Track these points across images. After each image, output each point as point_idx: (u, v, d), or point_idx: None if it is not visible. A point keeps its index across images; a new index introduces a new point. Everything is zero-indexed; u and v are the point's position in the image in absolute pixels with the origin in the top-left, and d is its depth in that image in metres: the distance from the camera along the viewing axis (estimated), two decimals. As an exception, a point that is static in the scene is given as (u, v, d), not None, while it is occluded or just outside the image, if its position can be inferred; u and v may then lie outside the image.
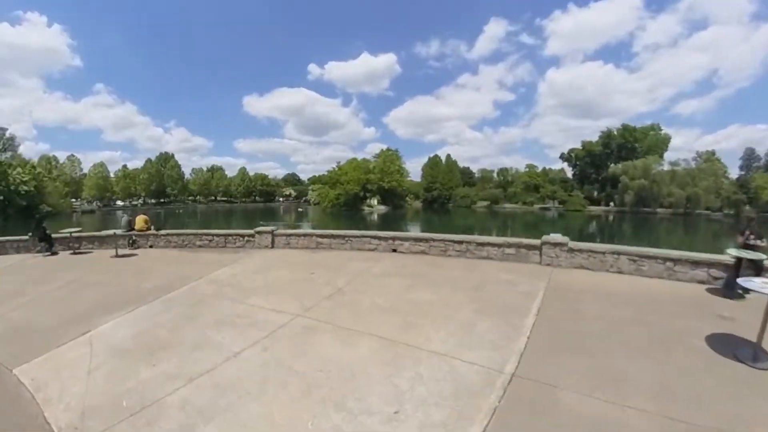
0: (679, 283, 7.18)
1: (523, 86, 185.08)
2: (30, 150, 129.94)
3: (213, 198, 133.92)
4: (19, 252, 13.23)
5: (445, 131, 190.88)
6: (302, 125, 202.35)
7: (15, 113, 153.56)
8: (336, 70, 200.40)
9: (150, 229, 13.64)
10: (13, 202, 58.56)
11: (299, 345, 4.74)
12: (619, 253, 8.10)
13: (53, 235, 13.17)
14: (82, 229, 14.28)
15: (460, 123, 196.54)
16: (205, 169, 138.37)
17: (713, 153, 75.51)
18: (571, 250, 8.66)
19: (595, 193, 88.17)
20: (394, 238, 10.72)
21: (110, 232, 13.51)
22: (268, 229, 12.01)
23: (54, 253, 12.73)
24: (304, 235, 11.84)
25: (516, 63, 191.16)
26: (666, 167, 75.67)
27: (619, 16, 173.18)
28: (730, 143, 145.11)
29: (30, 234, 13.05)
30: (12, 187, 58.91)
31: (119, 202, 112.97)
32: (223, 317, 5.74)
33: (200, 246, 12.68)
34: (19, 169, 62.12)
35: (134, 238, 13.28)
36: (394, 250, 10.61)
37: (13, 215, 54.65)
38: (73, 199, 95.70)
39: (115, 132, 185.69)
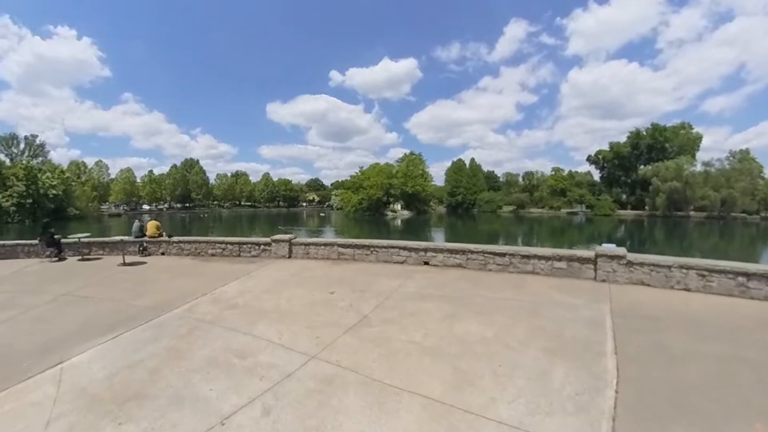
0: (754, 302, 6.21)
1: (546, 87, 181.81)
2: (63, 156, 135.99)
3: (237, 203, 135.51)
4: (30, 256, 12.71)
5: (468, 135, 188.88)
6: (325, 131, 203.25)
7: (48, 121, 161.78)
8: (357, 76, 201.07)
9: (162, 236, 12.74)
10: (41, 205, 60.34)
11: (313, 408, 3.40)
12: (687, 268, 6.97)
13: (62, 240, 12.52)
14: (91, 234, 13.47)
15: (482, 126, 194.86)
16: (229, 174, 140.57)
17: (747, 152, 70.46)
18: (630, 264, 7.52)
19: (624, 197, 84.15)
20: (426, 250, 9.35)
21: (117, 238, 12.67)
22: (286, 237, 10.85)
23: (62, 259, 12.08)
24: (325, 244, 10.56)
25: (538, 64, 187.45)
26: (698, 168, 71.31)
27: (642, 12, 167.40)
28: (762, 141, 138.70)
29: (39, 239, 12.40)
30: (41, 191, 60.70)
31: (145, 206, 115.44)
32: (218, 355, 4.49)
33: (213, 254, 11.66)
34: (48, 174, 63.97)
35: (145, 244, 12.41)
36: (426, 263, 9.26)
37: (42, 218, 55.92)
38: (102, 203, 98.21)
39: (144, 139, 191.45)
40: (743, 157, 69.36)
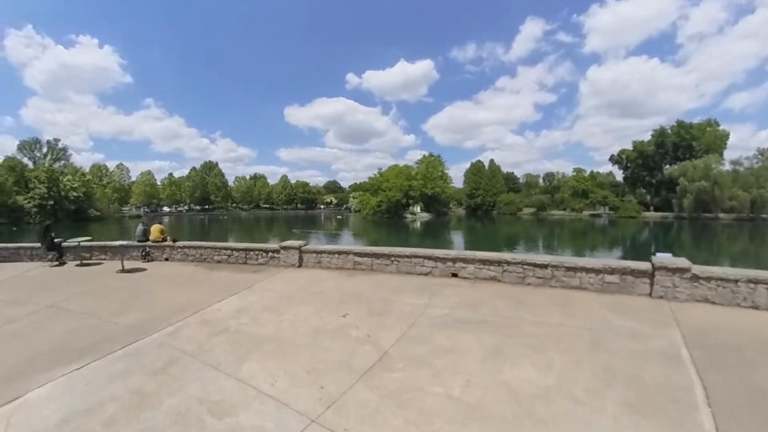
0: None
1: (564, 86, 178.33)
2: (86, 159, 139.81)
3: (255, 205, 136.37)
4: (33, 260, 12.31)
5: (485, 136, 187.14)
6: (343, 134, 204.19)
7: (72, 126, 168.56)
8: (374, 78, 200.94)
9: (166, 240, 11.91)
10: (62, 206, 62.05)
11: None
12: (756, 282, 5.93)
13: (63, 244, 11.92)
14: (92, 238, 12.80)
15: (500, 127, 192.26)
16: (247, 177, 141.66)
17: (776, 149, 66.74)
18: (695, 278, 6.31)
19: (648, 198, 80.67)
20: (454, 260, 8.12)
21: (118, 243, 11.91)
22: (296, 244, 9.79)
23: (62, 264, 11.45)
24: (339, 252, 9.39)
25: (555, 63, 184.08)
26: (727, 167, 67.56)
27: (660, 6, 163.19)
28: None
29: (40, 242, 11.88)
30: (62, 193, 62.37)
31: (165, 208, 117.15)
32: (190, 407, 3.40)
33: (219, 261, 10.75)
34: (69, 177, 65.76)
35: (148, 249, 11.60)
36: (455, 275, 8.06)
37: (63, 219, 57.33)
38: (122, 205, 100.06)
39: (164, 143, 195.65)
40: (772, 154, 65.94)
